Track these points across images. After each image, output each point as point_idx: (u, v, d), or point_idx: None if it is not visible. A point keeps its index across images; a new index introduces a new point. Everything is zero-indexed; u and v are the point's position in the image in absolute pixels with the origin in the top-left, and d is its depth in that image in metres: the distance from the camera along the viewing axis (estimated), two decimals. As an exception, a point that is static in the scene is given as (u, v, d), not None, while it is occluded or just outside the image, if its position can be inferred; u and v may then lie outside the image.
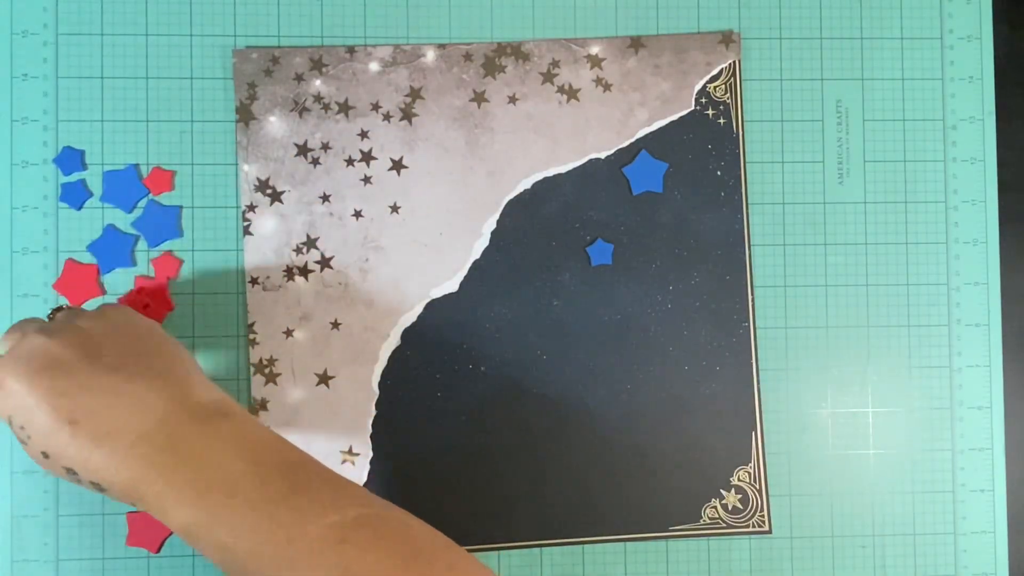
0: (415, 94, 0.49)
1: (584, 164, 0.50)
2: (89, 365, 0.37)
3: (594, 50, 0.50)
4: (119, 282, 0.48)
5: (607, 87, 0.50)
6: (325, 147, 0.49)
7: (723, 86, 0.50)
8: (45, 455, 0.37)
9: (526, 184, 0.50)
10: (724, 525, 0.50)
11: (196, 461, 0.36)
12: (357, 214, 0.49)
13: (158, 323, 0.42)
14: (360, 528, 0.35)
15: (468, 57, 0.50)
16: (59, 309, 0.43)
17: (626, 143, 0.50)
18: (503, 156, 0.50)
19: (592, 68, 0.50)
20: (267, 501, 0.35)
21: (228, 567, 0.35)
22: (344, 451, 0.49)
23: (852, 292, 0.51)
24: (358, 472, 0.48)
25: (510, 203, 0.50)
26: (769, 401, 0.50)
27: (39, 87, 0.48)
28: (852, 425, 0.51)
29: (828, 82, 0.51)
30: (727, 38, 0.51)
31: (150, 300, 0.48)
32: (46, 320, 0.42)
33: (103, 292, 0.48)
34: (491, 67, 0.50)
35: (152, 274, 0.48)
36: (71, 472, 0.37)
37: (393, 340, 0.49)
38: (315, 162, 0.49)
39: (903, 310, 0.51)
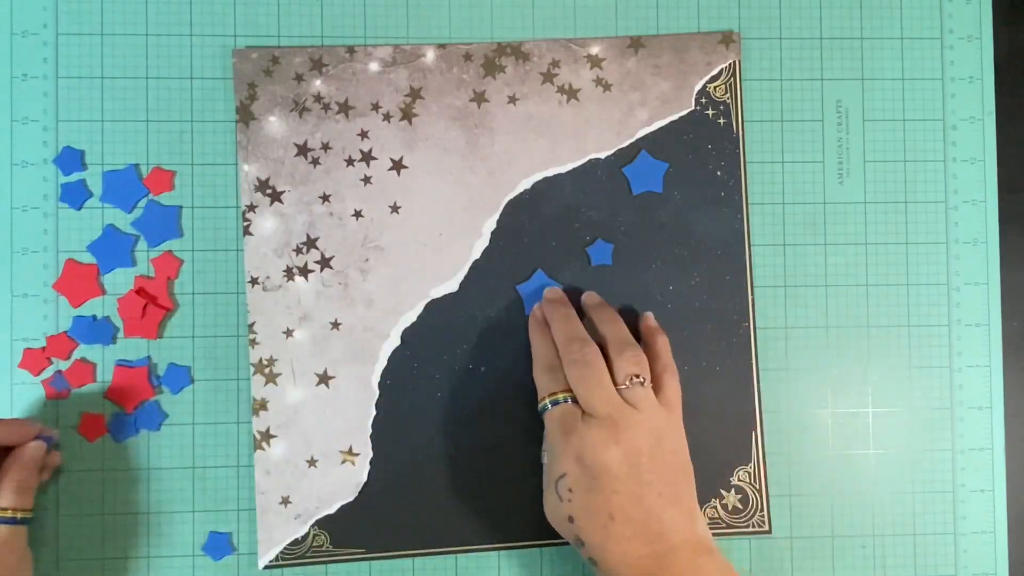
0: (415, 94, 0.49)
1: (584, 164, 0.50)
2: (647, 484, 0.42)
3: (594, 50, 0.50)
4: (119, 282, 0.48)
5: (607, 87, 0.50)
6: (325, 147, 0.49)
7: (723, 86, 0.50)
8: (571, 519, 0.42)
9: (526, 184, 0.50)
10: (724, 525, 0.50)
11: None
12: (357, 214, 0.49)
13: (682, 426, 0.45)
14: None
15: (468, 57, 0.50)
16: (641, 380, 0.44)
17: (626, 143, 0.50)
18: (503, 156, 0.50)
19: (592, 68, 0.50)
20: None
21: None
22: (344, 451, 0.49)
23: (852, 292, 0.51)
24: (358, 472, 0.48)
25: (510, 203, 0.50)
26: (769, 401, 0.50)
27: (39, 87, 0.48)
28: (852, 425, 0.51)
29: (828, 82, 0.51)
30: (727, 38, 0.51)
31: (150, 300, 0.48)
32: (627, 387, 0.44)
33: (103, 292, 0.48)
34: (491, 67, 0.50)
35: (152, 274, 0.48)
36: (579, 542, 0.42)
37: (393, 340, 0.49)
38: (315, 162, 0.49)
39: (903, 310, 0.51)
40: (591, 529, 0.41)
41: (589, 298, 0.48)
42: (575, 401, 0.44)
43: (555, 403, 0.44)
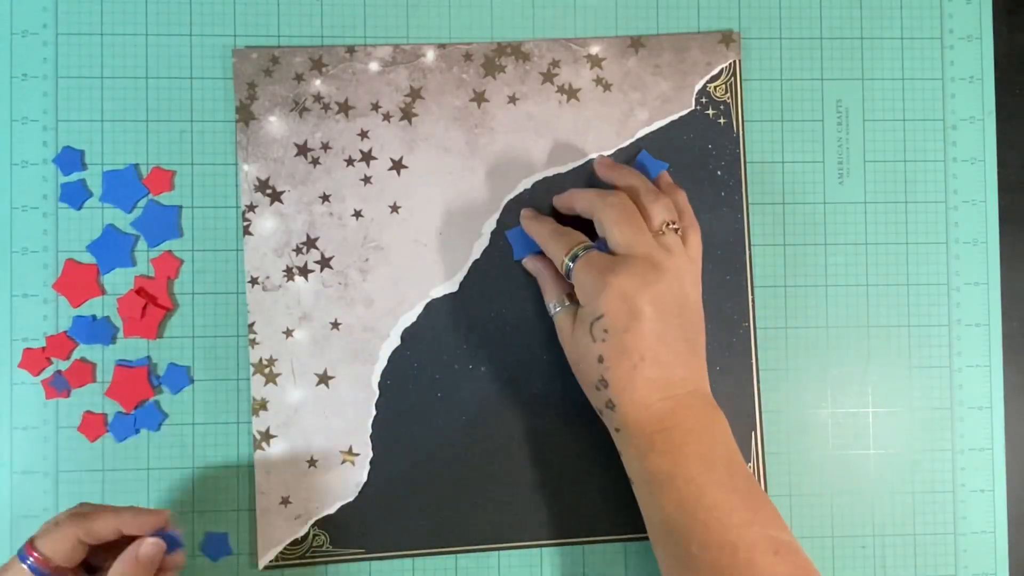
0: (415, 94, 0.49)
1: (584, 164, 0.50)
2: (676, 326, 0.43)
3: (594, 50, 0.50)
4: (119, 282, 0.48)
5: (607, 87, 0.50)
6: (325, 147, 0.49)
7: (723, 86, 0.50)
8: (600, 359, 0.43)
9: (526, 184, 0.50)
10: (724, 525, 0.50)
11: (693, 434, 0.42)
12: (357, 214, 0.49)
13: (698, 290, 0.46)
14: (791, 552, 0.41)
15: (468, 57, 0.50)
16: (675, 228, 0.45)
17: (626, 143, 0.50)
18: (503, 156, 0.50)
19: (592, 68, 0.50)
20: (732, 490, 0.42)
21: (673, 522, 0.41)
22: (344, 451, 0.49)
23: (852, 292, 0.51)
24: (358, 472, 0.48)
25: (510, 203, 0.50)
26: (769, 401, 0.50)
27: (39, 87, 0.48)
28: (852, 425, 0.51)
29: (828, 82, 0.51)
30: (727, 38, 0.51)
31: (150, 300, 0.48)
32: (663, 233, 0.45)
33: (103, 292, 0.48)
34: (491, 67, 0.50)
35: (152, 274, 0.48)
36: (603, 383, 0.43)
37: (393, 340, 0.49)
38: (315, 162, 0.49)
39: (903, 310, 0.51)
40: (620, 370, 0.42)
41: (602, 160, 0.49)
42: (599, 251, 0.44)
43: (582, 252, 0.44)
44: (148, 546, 0.40)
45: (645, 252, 0.43)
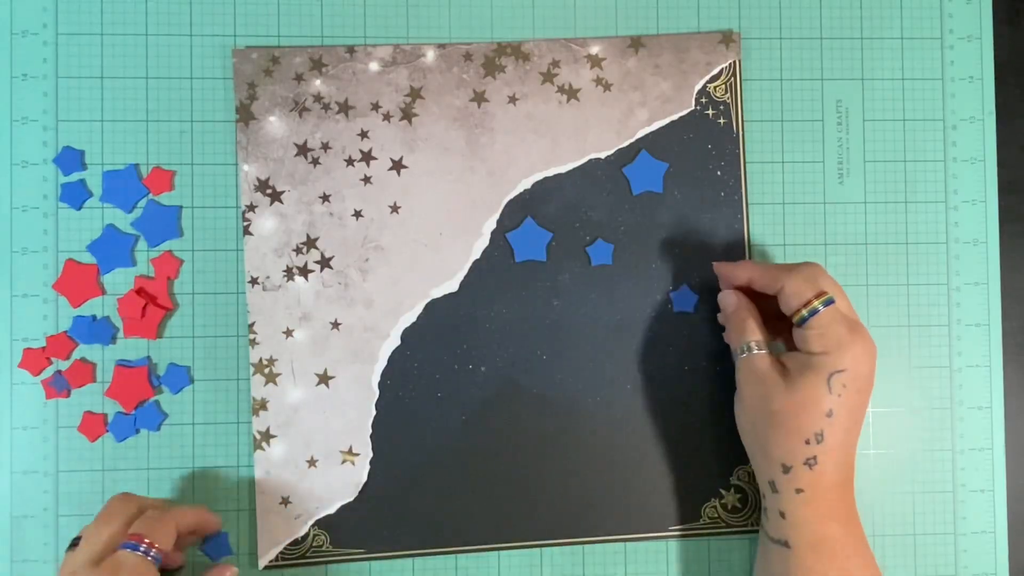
0: (415, 94, 0.49)
1: (584, 164, 0.50)
2: (868, 400, 0.44)
3: (594, 50, 0.50)
4: (119, 282, 0.48)
5: (607, 87, 0.50)
6: (325, 147, 0.49)
7: (723, 86, 0.50)
8: (829, 414, 0.42)
9: (526, 184, 0.50)
10: (724, 525, 0.50)
11: (852, 497, 0.44)
12: (357, 214, 0.49)
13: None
14: None
15: (468, 57, 0.50)
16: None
17: (626, 143, 0.50)
18: (503, 156, 0.50)
19: (592, 68, 0.50)
20: (866, 545, 0.44)
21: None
22: (344, 451, 0.49)
23: (852, 292, 0.51)
24: (358, 472, 0.48)
25: (510, 203, 0.50)
26: (769, 401, 0.50)
27: (39, 87, 0.48)
28: (852, 425, 0.51)
29: (828, 82, 0.51)
30: (727, 38, 0.51)
31: (150, 300, 0.48)
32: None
33: (103, 292, 0.48)
34: (491, 67, 0.50)
35: (152, 274, 0.48)
36: (818, 436, 0.42)
37: (393, 340, 0.49)
38: (315, 162, 0.49)
39: (903, 310, 0.51)
40: (842, 429, 0.43)
41: (720, 266, 0.48)
42: None
43: (831, 301, 0.43)
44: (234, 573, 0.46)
45: (862, 323, 0.44)
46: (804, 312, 0.43)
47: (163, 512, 0.43)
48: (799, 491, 0.43)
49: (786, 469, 0.43)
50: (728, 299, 0.47)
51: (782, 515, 0.44)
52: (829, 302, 0.43)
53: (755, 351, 0.45)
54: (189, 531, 0.45)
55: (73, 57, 0.49)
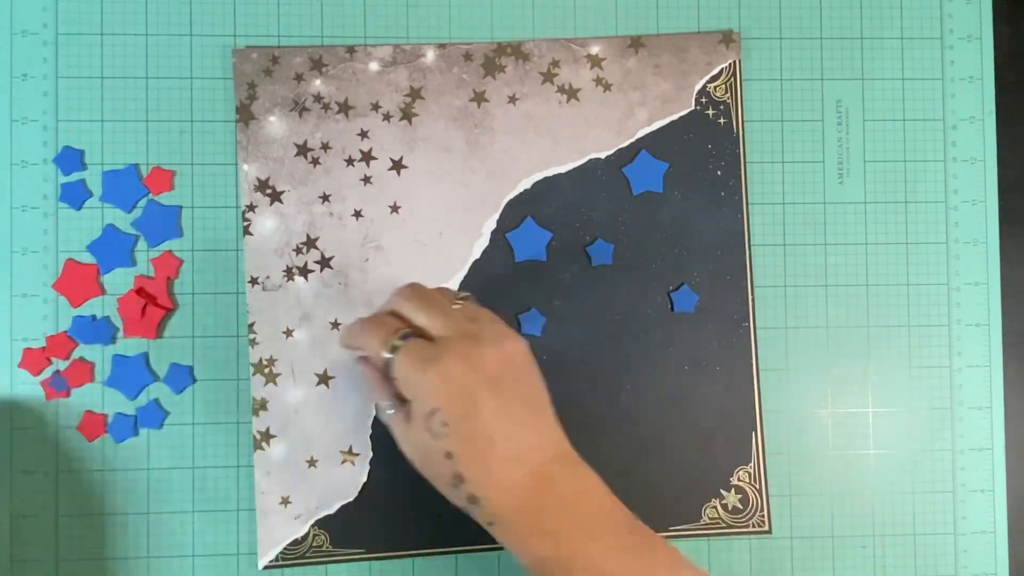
0: (415, 94, 0.49)
1: (584, 164, 0.50)
2: (512, 394, 0.39)
3: (594, 50, 0.50)
4: (119, 282, 0.48)
5: (607, 87, 0.50)
6: (325, 147, 0.49)
7: (723, 86, 0.50)
8: (449, 455, 0.38)
9: (526, 184, 0.50)
10: (724, 525, 0.50)
11: (567, 504, 0.39)
12: (357, 214, 0.49)
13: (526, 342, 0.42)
14: None
15: (468, 57, 0.50)
16: (466, 298, 0.43)
17: (626, 143, 0.50)
18: (503, 156, 0.50)
19: (592, 68, 0.50)
20: (622, 550, 0.38)
21: None
22: (344, 451, 0.49)
23: (852, 292, 0.51)
24: (358, 472, 0.48)
25: (510, 203, 0.50)
26: (769, 401, 0.50)
27: (39, 87, 0.48)
28: (852, 425, 0.51)
29: (828, 82, 0.51)
30: (727, 38, 0.51)
31: (150, 300, 0.48)
32: (459, 308, 0.41)
33: (103, 292, 0.48)
34: (491, 67, 0.50)
35: (152, 274, 0.48)
36: (458, 478, 0.39)
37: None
38: (315, 162, 0.49)
39: (903, 310, 0.51)
40: (473, 459, 0.38)
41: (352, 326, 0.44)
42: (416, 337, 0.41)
43: (399, 343, 0.40)
44: None
45: (458, 329, 0.40)
46: (383, 363, 0.40)
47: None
48: (491, 524, 0.39)
49: (467, 511, 0.40)
50: (360, 367, 0.43)
51: (505, 547, 0.40)
52: (395, 348, 0.40)
53: (388, 412, 0.41)
54: None
55: (73, 57, 0.49)
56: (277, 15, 0.49)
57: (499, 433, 0.39)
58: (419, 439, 0.39)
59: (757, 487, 0.50)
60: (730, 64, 0.51)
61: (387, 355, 0.40)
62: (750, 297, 0.50)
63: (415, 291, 0.42)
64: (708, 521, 0.50)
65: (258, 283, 0.49)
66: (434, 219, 0.49)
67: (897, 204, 0.51)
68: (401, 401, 0.41)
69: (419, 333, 0.40)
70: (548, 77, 0.50)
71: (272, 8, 0.49)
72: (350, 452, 0.49)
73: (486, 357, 0.39)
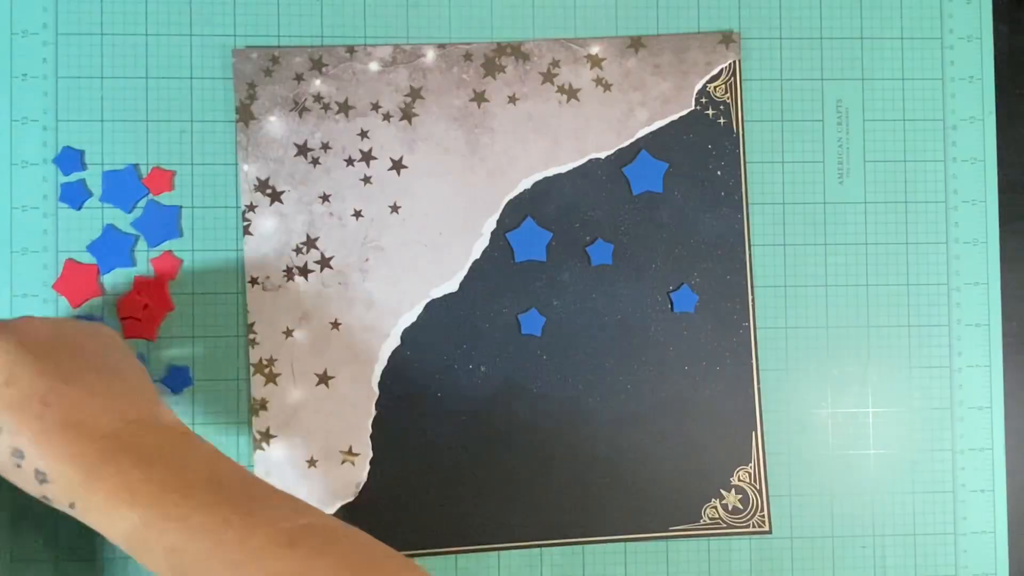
0: (415, 94, 0.49)
1: (584, 164, 0.50)
2: (72, 359, 0.37)
3: (594, 50, 0.50)
4: (119, 282, 0.48)
5: (607, 87, 0.50)
6: (325, 147, 0.49)
7: (723, 86, 0.50)
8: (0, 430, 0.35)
9: (526, 184, 0.50)
10: (724, 525, 0.50)
11: (155, 463, 0.35)
12: (357, 214, 0.49)
13: (117, 335, 0.41)
14: (311, 535, 0.35)
15: (468, 57, 0.50)
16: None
17: (626, 143, 0.50)
18: (503, 156, 0.50)
19: (592, 68, 0.50)
20: (221, 504, 0.35)
21: (176, 572, 0.34)
22: (344, 451, 0.49)
23: (852, 292, 0.51)
24: (358, 472, 0.48)
25: (510, 203, 0.50)
26: (769, 401, 0.50)
27: (39, 87, 0.48)
28: (852, 425, 0.51)
29: (828, 82, 0.51)
30: (727, 38, 0.51)
31: (150, 300, 0.48)
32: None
33: (103, 292, 0.48)
34: (491, 67, 0.50)
35: (152, 274, 0.48)
36: (18, 454, 0.35)
37: (393, 340, 0.49)
38: (315, 162, 0.49)
39: (903, 310, 0.51)
40: (24, 425, 0.35)
41: None
42: None
43: None
44: None
45: None
46: None
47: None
48: (72, 506, 0.35)
49: (44, 499, 0.36)
50: None
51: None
52: None
53: None
54: None
55: (73, 57, 0.49)
56: (277, 15, 0.49)
57: (55, 395, 0.35)
58: None
59: (757, 487, 0.50)
60: (730, 64, 0.51)
61: None
62: (750, 297, 0.50)
63: None
64: (708, 521, 0.50)
65: (258, 283, 0.49)
66: (434, 219, 0.49)
67: (897, 204, 0.51)
68: None
69: None
70: (548, 77, 0.50)
71: (272, 8, 0.49)
72: (350, 452, 0.49)
73: (32, 325, 0.37)
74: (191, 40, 0.49)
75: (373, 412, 0.49)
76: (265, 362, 0.48)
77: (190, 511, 0.34)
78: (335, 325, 0.49)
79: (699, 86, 0.50)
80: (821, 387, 0.51)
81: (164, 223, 0.49)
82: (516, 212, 0.50)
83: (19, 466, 0.35)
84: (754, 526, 0.50)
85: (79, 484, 0.35)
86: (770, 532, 0.50)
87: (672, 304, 0.50)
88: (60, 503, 0.36)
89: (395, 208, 0.49)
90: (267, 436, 0.48)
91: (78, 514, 0.36)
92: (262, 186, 0.49)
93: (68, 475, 0.35)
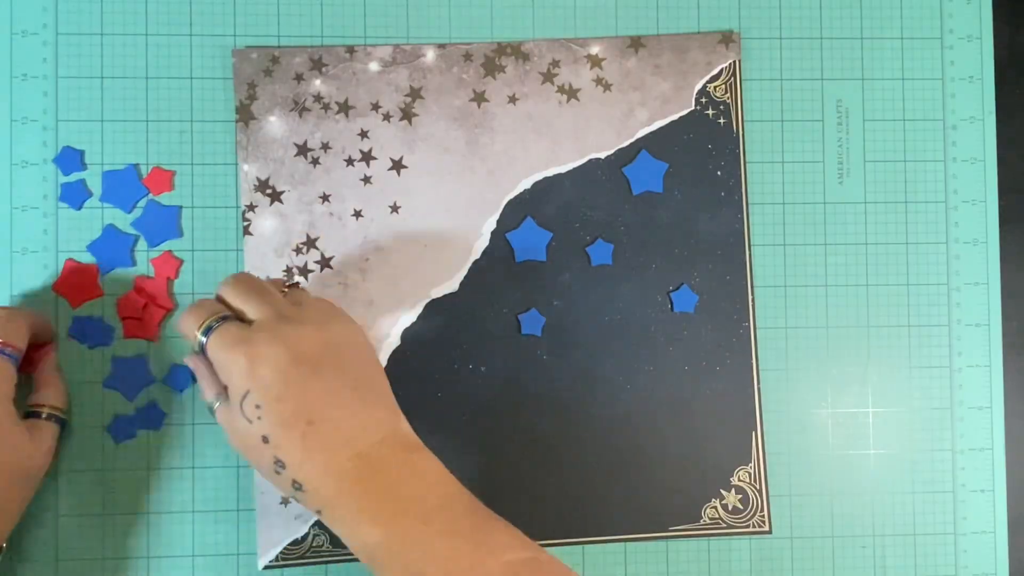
0: (415, 94, 0.49)
1: (584, 164, 0.50)
2: (336, 376, 0.39)
3: (594, 50, 0.50)
4: (119, 282, 0.48)
5: (607, 87, 0.50)
6: (325, 147, 0.49)
7: (723, 86, 0.50)
8: (266, 440, 0.38)
9: (526, 184, 0.50)
10: (724, 525, 0.50)
11: (398, 487, 0.38)
12: (357, 214, 0.49)
13: (361, 329, 0.42)
14: (533, 569, 0.38)
15: (468, 57, 0.50)
16: (294, 286, 0.44)
17: (626, 143, 0.50)
18: (503, 156, 0.50)
19: (592, 68, 0.50)
20: (455, 534, 0.38)
21: None
22: (344, 451, 0.48)
23: (852, 292, 0.51)
24: (358, 472, 0.48)
25: (510, 203, 0.50)
26: (769, 401, 0.50)
27: (39, 87, 0.48)
28: (852, 425, 0.51)
29: (828, 82, 0.51)
30: (727, 38, 0.51)
31: (150, 300, 0.48)
32: (286, 294, 0.42)
33: (103, 293, 0.48)
34: (491, 67, 0.50)
35: (152, 274, 0.48)
36: (279, 464, 0.38)
37: (393, 340, 0.49)
38: (315, 162, 0.49)
39: (903, 310, 0.51)
40: (290, 442, 0.37)
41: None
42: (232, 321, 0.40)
43: (216, 324, 0.39)
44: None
45: (275, 311, 0.39)
46: (199, 346, 0.40)
47: (11, 311, 0.43)
48: (319, 512, 0.39)
49: (295, 499, 0.39)
50: (189, 362, 0.42)
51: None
52: (209, 330, 0.39)
53: (215, 405, 0.40)
54: (40, 330, 0.45)
55: (73, 57, 0.49)
56: (277, 15, 0.49)
57: (318, 415, 0.38)
58: (237, 425, 0.38)
59: (757, 487, 0.50)
60: (730, 64, 0.51)
61: (201, 338, 0.39)
62: (750, 297, 0.50)
63: (239, 278, 0.42)
64: (708, 521, 0.50)
65: (258, 283, 0.49)
66: (434, 219, 0.49)
67: (897, 204, 0.51)
68: (226, 393, 0.39)
69: (239, 318, 0.40)
70: (548, 77, 0.50)
71: (272, 8, 0.49)
72: (350, 452, 0.49)
73: (303, 337, 0.38)
74: (191, 40, 0.49)
75: (373, 412, 0.49)
76: (265, 362, 0.48)
77: (429, 538, 0.37)
78: (335, 325, 0.49)
79: (699, 86, 0.50)
80: (821, 387, 0.51)
81: (164, 223, 0.49)
82: (516, 212, 0.50)
83: (278, 473, 0.38)
84: (754, 526, 0.50)
85: (330, 498, 0.38)
86: (770, 532, 0.50)
87: (672, 304, 0.50)
88: (309, 508, 0.39)
89: (395, 208, 0.49)
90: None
91: (324, 520, 0.39)
92: (262, 186, 0.49)
93: (321, 489, 0.38)
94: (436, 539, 0.37)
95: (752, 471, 0.50)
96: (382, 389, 0.41)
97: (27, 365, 0.46)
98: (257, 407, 0.38)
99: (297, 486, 0.38)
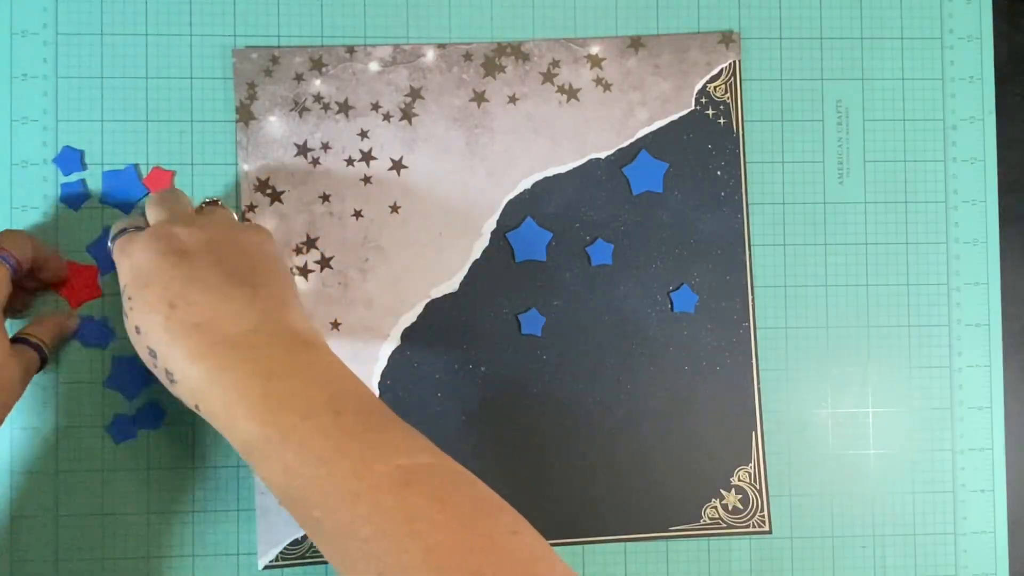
0: (415, 94, 0.49)
1: (584, 164, 0.50)
2: (206, 265, 0.38)
3: (594, 50, 0.50)
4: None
5: (607, 87, 0.50)
6: (325, 147, 0.49)
7: (723, 86, 0.50)
8: (138, 330, 0.37)
9: (526, 184, 0.50)
10: (724, 525, 0.50)
11: (275, 379, 0.35)
12: (357, 214, 0.49)
13: (272, 238, 0.42)
14: (428, 475, 0.35)
15: (468, 57, 0.50)
16: (212, 202, 0.44)
17: (626, 143, 0.50)
18: (503, 156, 0.50)
19: (592, 68, 0.50)
20: (339, 430, 0.35)
21: (287, 492, 0.35)
22: (344, 451, 0.48)
23: (852, 292, 0.51)
24: (358, 472, 0.48)
25: (510, 203, 0.50)
26: (769, 401, 0.50)
27: (39, 87, 0.48)
28: (852, 425, 0.51)
29: (828, 82, 0.51)
30: (727, 38, 0.51)
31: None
32: (196, 206, 0.44)
33: (102, 293, 0.48)
34: (491, 67, 0.50)
35: (152, 274, 0.48)
36: (152, 353, 0.37)
37: (393, 340, 0.49)
38: (315, 162, 0.49)
39: (903, 310, 0.51)
40: (153, 325, 0.36)
41: None
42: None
43: (116, 237, 0.41)
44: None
45: (169, 216, 0.40)
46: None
47: (20, 231, 0.45)
48: (197, 407, 0.37)
49: (181, 398, 0.37)
50: None
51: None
52: (115, 239, 0.41)
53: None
54: (44, 260, 0.45)
55: (73, 57, 0.49)
56: (277, 15, 0.49)
57: (181, 299, 0.37)
58: (126, 325, 0.38)
59: (757, 487, 0.50)
60: (730, 64, 0.51)
61: (110, 244, 0.41)
62: (750, 297, 0.50)
63: (162, 193, 0.43)
64: (708, 521, 0.50)
65: (258, 283, 0.48)
66: (434, 219, 0.49)
67: (897, 204, 0.51)
68: None
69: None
70: (548, 77, 0.50)
71: (272, 8, 0.49)
72: (350, 452, 0.49)
73: (183, 234, 0.39)
74: (191, 40, 0.49)
75: (373, 412, 0.49)
76: (265, 362, 0.48)
77: (308, 435, 0.34)
78: (335, 325, 0.49)
79: (699, 86, 0.50)
80: (821, 387, 0.51)
81: (164, 223, 0.49)
82: (516, 212, 0.50)
83: (155, 366, 0.37)
84: (754, 526, 0.50)
85: (201, 389, 0.36)
86: (770, 532, 0.50)
87: (672, 304, 0.50)
88: (188, 404, 0.37)
89: (395, 208, 0.49)
90: (267, 436, 0.48)
91: (204, 416, 0.37)
92: (262, 186, 0.49)
93: (191, 378, 0.36)
94: (317, 436, 0.34)
95: (752, 471, 0.50)
96: (271, 284, 0.39)
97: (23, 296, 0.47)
98: (130, 299, 0.38)
99: (170, 376, 0.37)
